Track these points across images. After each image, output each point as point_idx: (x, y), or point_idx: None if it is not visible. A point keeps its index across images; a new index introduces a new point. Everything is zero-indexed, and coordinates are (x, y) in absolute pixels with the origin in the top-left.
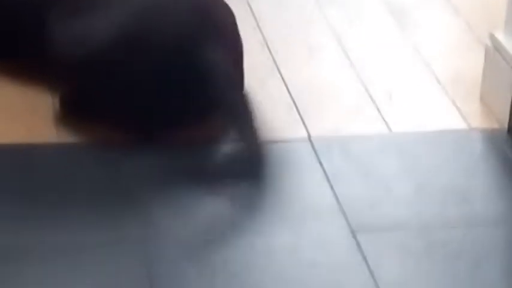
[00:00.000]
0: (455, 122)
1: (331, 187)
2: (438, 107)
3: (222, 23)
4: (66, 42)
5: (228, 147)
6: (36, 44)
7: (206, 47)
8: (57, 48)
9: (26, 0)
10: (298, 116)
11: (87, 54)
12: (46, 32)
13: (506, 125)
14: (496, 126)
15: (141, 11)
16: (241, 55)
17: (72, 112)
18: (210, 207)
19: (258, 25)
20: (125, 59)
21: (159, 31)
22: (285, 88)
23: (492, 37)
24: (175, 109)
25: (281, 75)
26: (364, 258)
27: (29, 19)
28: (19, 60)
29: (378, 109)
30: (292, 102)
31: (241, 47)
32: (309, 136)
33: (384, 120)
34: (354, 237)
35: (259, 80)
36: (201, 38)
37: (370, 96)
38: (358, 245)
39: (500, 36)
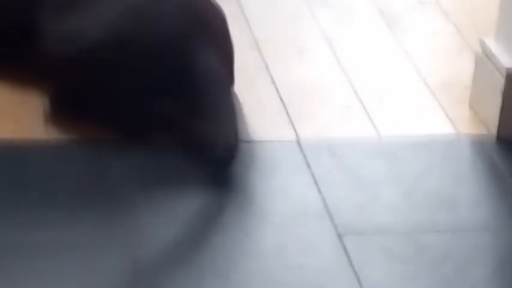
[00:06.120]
0: (444, 127)
1: (319, 190)
2: (427, 111)
3: (212, 23)
4: (56, 40)
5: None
6: (27, 42)
7: (196, 47)
8: (47, 46)
9: None
10: (286, 117)
11: (77, 52)
12: (36, 30)
13: (494, 131)
14: (484, 132)
15: (132, 10)
16: (231, 55)
17: (61, 109)
18: (198, 208)
19: (248, 26)
20: (115, 57)
21: (149, 30)
22: (274, 89)
23: (482, 43)
24: (164, 109)
25: (271, 76)
26: (350, 262)
27: (19, 16)
28: (9, 57)
29: (367, 112)
30: (281, 104)
31: (232, 47)
32: (298, 138)
33: (373, 124)
34: (340, 240)
35: (248, 81)
36: (191, 37)
37: (359, 99)
38: (345, 248)
39: (490, 42)
